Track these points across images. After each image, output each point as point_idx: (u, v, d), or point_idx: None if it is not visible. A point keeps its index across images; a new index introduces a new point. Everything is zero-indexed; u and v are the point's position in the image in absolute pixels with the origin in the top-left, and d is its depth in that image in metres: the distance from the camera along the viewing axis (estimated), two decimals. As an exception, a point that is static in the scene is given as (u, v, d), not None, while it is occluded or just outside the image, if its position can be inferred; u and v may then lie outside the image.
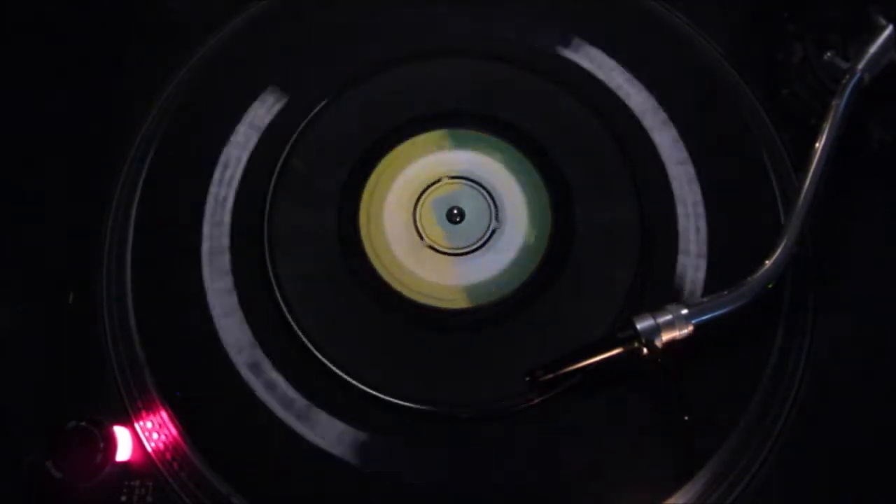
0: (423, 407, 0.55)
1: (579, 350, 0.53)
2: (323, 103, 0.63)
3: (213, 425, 0.55)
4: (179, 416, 0.55)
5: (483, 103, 0.64)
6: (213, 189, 0.61)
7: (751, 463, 0.54)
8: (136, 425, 0.54)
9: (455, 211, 0.61)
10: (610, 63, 0.65)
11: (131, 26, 0.67)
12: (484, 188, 0.62)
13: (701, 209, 0.60)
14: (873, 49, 0.59)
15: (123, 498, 0.53)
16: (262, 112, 0.63)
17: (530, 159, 0.62)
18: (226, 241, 0.59)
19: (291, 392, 0.55)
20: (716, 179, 0.61)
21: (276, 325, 0.57)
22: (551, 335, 0.56)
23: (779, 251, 0.54)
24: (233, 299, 0.58)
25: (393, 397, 0.55)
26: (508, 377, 0.54)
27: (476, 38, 0.66)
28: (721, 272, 0.58)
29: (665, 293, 0.57)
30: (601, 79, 0.65)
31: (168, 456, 0.54)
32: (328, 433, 0.54)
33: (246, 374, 0.56)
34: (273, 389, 0.55)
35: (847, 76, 0.59)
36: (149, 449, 0.54)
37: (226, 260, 0.59)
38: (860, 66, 0.59)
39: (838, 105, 0.57)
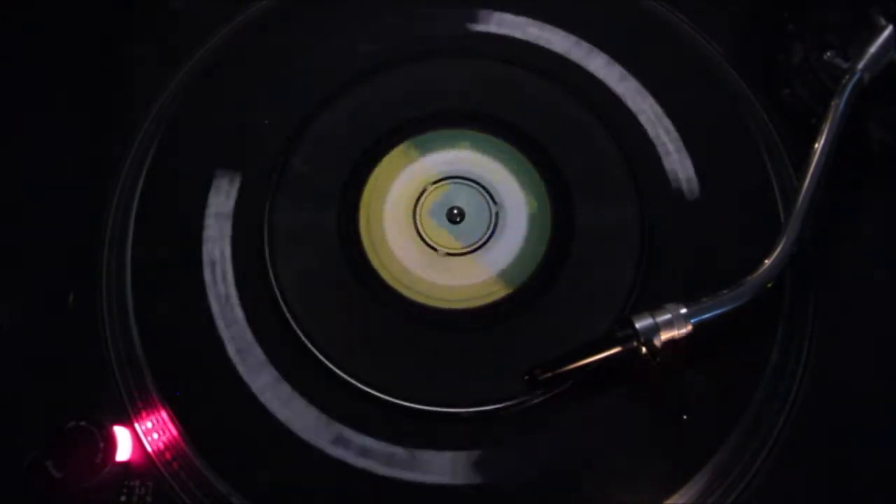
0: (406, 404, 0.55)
1: (578, 349, 0.53)
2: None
3: (213, 425, 0.55)
4: (179, 416, 0.55)
5: (425, 104, 0.64)
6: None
7: (751, 463, 0.54)
8: (136, 425, 0.54)
9: (455, 211, 0.61)
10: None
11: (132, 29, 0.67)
12: (469, 179, 0.62)
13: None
14: (873, 49, 0.59)
15: (123, 498, 0.53)
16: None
17: (498, 135, 0.62)
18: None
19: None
20: (716, 180, 0.62)
21: (275, 319, 0.57)
22: (562, 330, 0.56)
23: (778, 251, 0.54)
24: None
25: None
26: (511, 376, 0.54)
27: (407, 36, 0.66)
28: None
29: (665, 293, 0.57)
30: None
31: (168, 456, 0.54)
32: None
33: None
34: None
35: (847, 76, 0.59)
36: (149, 449, 0.54)
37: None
38: (860, 66, 0.59)
39: (838, 105, 0.58)
